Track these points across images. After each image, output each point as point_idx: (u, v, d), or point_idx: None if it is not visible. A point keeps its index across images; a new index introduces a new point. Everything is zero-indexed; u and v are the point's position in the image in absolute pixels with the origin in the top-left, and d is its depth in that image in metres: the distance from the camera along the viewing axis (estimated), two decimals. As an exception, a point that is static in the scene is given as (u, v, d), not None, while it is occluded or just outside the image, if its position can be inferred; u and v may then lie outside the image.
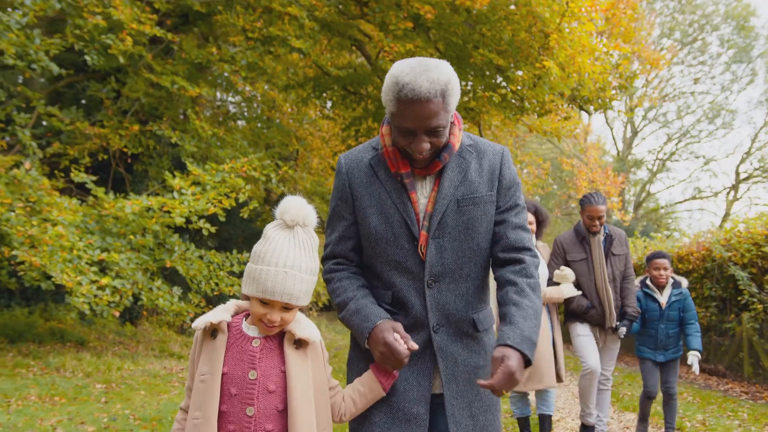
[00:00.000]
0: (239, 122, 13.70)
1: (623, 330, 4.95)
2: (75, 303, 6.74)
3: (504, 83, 9.47)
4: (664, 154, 33.03)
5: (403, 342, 1.90)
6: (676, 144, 32.69)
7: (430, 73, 1.84)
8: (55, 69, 7.13)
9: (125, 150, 9.59)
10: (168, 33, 8.12)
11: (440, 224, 1.99)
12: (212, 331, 1.86)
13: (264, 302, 1.82)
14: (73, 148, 8.85)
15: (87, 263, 6.87)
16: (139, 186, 11.78)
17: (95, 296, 6.77)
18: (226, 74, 9.36)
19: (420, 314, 2.00)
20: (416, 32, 9.38)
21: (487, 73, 9.83)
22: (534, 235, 5.01)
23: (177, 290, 8.24)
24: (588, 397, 4.97)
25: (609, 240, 4.98)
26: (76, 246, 6.74)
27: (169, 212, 7.57)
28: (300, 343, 1.90)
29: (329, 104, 13.31)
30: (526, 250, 2.07)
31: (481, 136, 12.92)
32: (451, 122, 2.03)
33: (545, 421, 5.01)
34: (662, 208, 33.97)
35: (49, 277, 6.77)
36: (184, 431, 1.84)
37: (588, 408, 5.01)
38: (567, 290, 4.91)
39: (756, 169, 30.08)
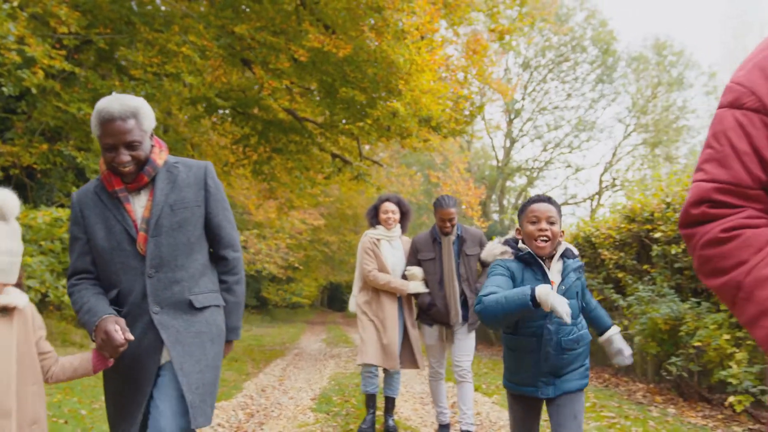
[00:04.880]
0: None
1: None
2: (-8, 299, 7.92)
3: (366, 115, 11.25)
4: (540, 162, 36.05)
5: (121, 333, 2.22)
6: (551, 153, 35.74)
7: (122, 100, 2.32)
8: (-24, 99, 8.35)
9: (35, 166, 10.74)
10: (76, 67, 9.40)
11: (156, 225, 2.40)
12: None
13: None
14: (-14, 163, 9.99)
15: (5, 266, 8.10)
16: (40, 193, 12.83)
17: (12, 293, 8.01)
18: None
19: (142, 302, 2.39)
20: (293, 69, 11.01)
21: (358, 106, 11.56)
22: (399, 227, 5.44)
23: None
24: (438, 397, 5.20)
25: (461, 241, 5.00)
26: (-5, 251, 7.96)
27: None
28: (6, 311, 2.12)
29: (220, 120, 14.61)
30: (232, 247, 2.64)
31: (359, 150, 14.74)
32: (153, 145, 2.46)
33: (389, 402, 5.47)
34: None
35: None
36: None
37: (440, 407, 5.21)
38: (412, 286, 5.12)
39: (615, 179, 33.52)
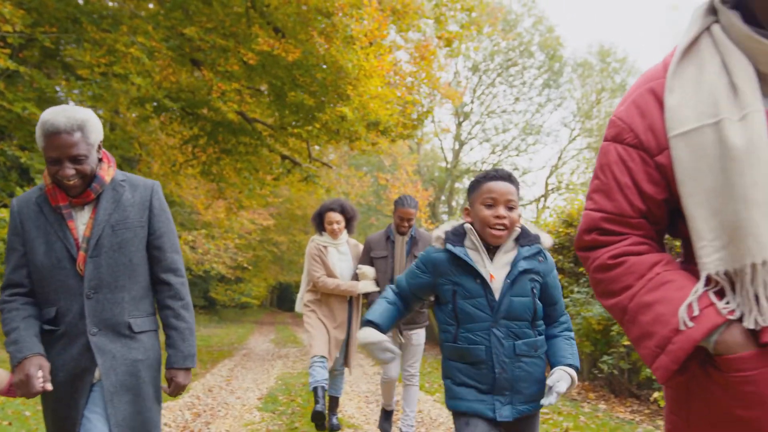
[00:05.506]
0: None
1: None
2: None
3: (314, 118, 11.41)
4: (488, 164, 36.59)
5: (41, 381, 2.19)
6: (499, 156, 36.35)
7: (67, 113, 2.23)
8: None
9: (-23, 166, 10.60)
10: (20, 66, 9.30)
11: (97, 245, 2.32)
12: None
13: None
14: (-73, 162, 9.80)
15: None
16: (-20, 192, 12.63)
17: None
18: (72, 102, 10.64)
19: (79, 322, 2.32)
20: (243, 71, 11.07)
21: (306, 110, 11.67)
22: (346, 232, 5.45)
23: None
24: (387, 395, 5.26)
25: (414, 242, 5.03)
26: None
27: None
28: None
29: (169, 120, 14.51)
30: (175, 272, 2.52)
31: (309, 152, 14.84)
32: (101, 159, 2.39)
33: (333, 401, 5.61)
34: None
35: None
36: None
37: (388, 401, 5.30)
38: (362, 286, 5.15)
39: (560, 182, 34.32)
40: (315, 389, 5.06)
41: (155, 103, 11.89)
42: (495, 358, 2.32)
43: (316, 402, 5.01)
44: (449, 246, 2.41)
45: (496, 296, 2.33)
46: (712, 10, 1.52)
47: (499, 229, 2.34)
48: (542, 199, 34.72)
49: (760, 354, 1.35)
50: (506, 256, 2.40)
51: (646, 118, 1.52)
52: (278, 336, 19.67)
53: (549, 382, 2.33)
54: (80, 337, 2.32)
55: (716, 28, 1.48)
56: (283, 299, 48.92)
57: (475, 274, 2.36)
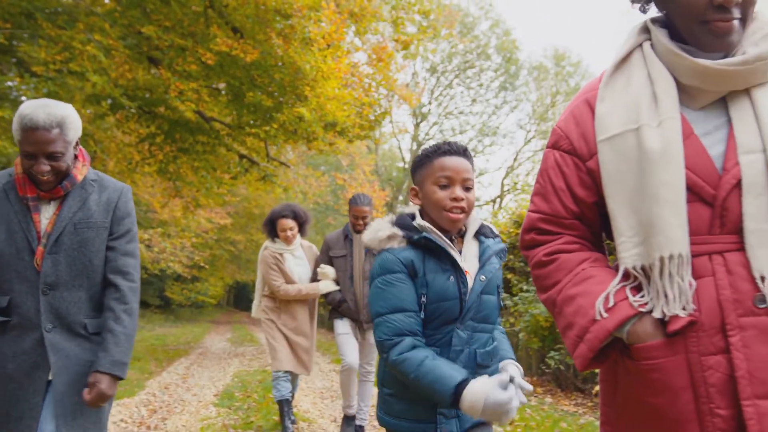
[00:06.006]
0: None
1: None
2: None
3: (272, 119, 11.49)
4: (446, 165, 36.88)
5: None
6: (456, 157, 36.64)
7: (48, 108, 2.21)
8: None
9: (-73, 161, 10.40)
10: (-27, 62, 9.20)
11: (57, 242, 2.30)
12: None
13: None
14: None
15: None
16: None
17: None
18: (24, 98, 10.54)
19: (34, 317, 2.27)
20: (201, 71, 11.08)
21: (264, 110, 11.72)
22: (299, 235, 5.48)
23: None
24: (348, 391, 5.17)
25: None
26: None
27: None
28: None
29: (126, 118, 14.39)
30: (124, 275, 2.42)
31: (266, 152, 14.85)
32: (76, 156, 2.38)
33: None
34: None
35: None
36: None
37: (348, 401, 5.21)
38: (323, 286, 5.16)
39: (516, 183, 34.88)
40: (280, 402, 5.24)
41: (110, 101, 11.82)
42: (452, 359, 1.92)
43: (282, 417, 5.21)
44: (425, 234, 1.96)
45: (468, 295, 1.96)
46: (646, 29, 1.68)
47: (457, 213, 1.97)
48: (498, 199, 35.26)
49: (667, 343, 1.49)
50: (470, 248, 2.06)
51: (580, 126, 1.67)
52: (235, 335, 19.62)
53: (511, 372, 1.91)
54: (34, 331, 2.28)
55: (647, 45, 1.65)
56: (240, 298, 48.63)
57: (453, 270, 1.96)
